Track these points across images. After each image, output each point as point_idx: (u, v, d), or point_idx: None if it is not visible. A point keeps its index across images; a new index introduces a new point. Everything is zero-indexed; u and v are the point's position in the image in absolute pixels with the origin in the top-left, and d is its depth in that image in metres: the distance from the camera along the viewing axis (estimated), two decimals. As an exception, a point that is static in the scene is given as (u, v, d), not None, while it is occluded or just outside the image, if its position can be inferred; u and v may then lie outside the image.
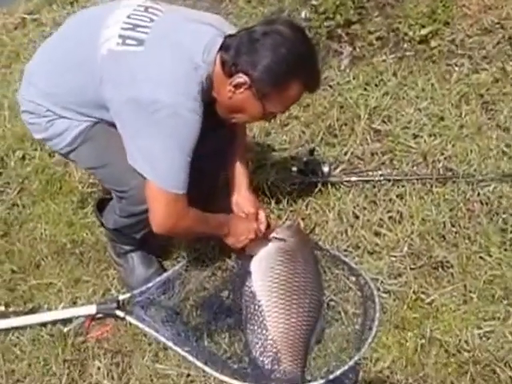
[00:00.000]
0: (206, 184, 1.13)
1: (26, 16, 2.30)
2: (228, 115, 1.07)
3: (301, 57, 1.00)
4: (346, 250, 1.29)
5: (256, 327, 1.10)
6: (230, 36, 1.03)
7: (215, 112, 1.07)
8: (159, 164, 1.00)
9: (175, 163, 1.00)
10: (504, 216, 1.31)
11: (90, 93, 1.04)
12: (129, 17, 1.04)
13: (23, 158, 1.67)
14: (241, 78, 0.99)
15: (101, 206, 1.30)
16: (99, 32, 1.03)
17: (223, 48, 1.02)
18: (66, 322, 1.20)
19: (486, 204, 1.34)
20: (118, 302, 1.20)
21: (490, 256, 1.24)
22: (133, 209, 1.11)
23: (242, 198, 1.24)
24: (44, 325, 1.21)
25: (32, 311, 1.25)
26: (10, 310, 1.26)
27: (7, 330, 1.21)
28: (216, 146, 1.13)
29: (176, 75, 0.98)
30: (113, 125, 1.05)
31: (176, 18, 1.07)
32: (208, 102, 1.03)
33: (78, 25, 1.12)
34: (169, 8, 1.10)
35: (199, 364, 1.08)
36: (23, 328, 1.21)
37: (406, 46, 1.76)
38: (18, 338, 1.20)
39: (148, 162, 1.00)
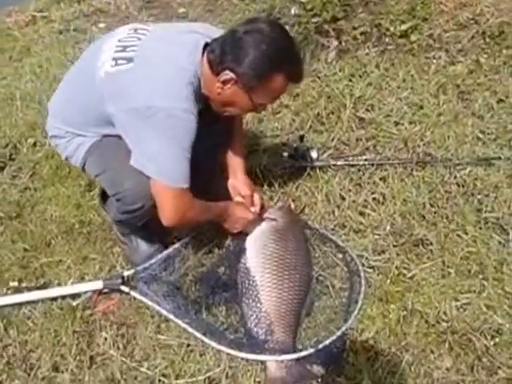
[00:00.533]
0: (202, 178, 1.04)
1: (36, 13, 2.12)
2: (221, 109, 1.01)
3: (281, 51, 0.93)
4: (333, 229, 1.19)
5: (251, 301, 1.00)
6: (216, 39, 0.96)
7: (210, 109, 0.99)
8: (162, 163, 0.94)
9: (177, 160, 0.94)
10: (479, 197, 1.20)
11: (95, 112, 1.00)
12: (120, 40, 1.01)
13: (34, 144, 1.52)
14: (227, 74, 0.93)
15: (104, 195, 1.18)
16: (97, 57, 1.01)
17: (209, 50, 0.95)
18: (74, 296, 1.09)
19: (463, 186, 1.23)
20: (123, 277, 1.09)
21: (466, 234, 1.14)
22: (127, 208, 1.03)
23: (238, 181, 1.15)
24: (54, 299, 1.10)
25: (43, 286, 1.13)
26: (23, 285, 1.14)
27: (20, 304, 1.10)
28: (211, 141, 1.06)
29: (166, 80, 0.92)
30: (120, 137, 0.99)
31: (161, 33, 1.03)
32: (201, 100, 0.98)
33: (83, 56, 1.10)
34: (156, 27, 1.06)
35: (198, 335, 0.98)
36: (35, 302, 1.10)
37: (387, 40, 1.63)
38: (30, 311, 1.09)
39: (152, 163, 0.94)
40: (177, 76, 0.92)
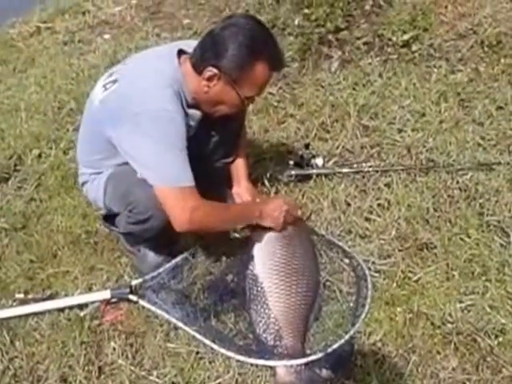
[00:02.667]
0: (209, 187, 1.11)
1: (40, 24, 2.27)
2: (211, 109, 1.08)
3: (258, 39, 1.02)
4: (339, 235, 1.29)
5: (259, 307, 1.09)
6: (197, 44, 1.06)
7: (208, 118, 1.09)
8: (158, 167, 1.00)
9: (171, 160, 1.00)
10: (481, 201, 1.31)
11: (101, 141, 1.08)
12: (110, 70, 1.14)
13: (39, 155, 1.64)
14: (210, 71, 1.01)
15: (107, 217, 1.26)
16: (93, 93, 1.13)
17: (191, 55, 1.05)
18: (82, 306, 1.17)
19: (465, 190, 1.35)
20: (131, 286, 1.17)
21: (469, 237, 1.24)
22: (139, 217, 1.09)
23: (241, 188, 1.26)
24: (62, 310, 1.17)
25: (50, 297, 1.21)
26: (30, 297, 1.22)
27: (27, 316, 1.17)
28: (216, 151, 1.16)
29: (145, 87, 1.02)
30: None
31: (145, 54, 1.15)
32: (191, 106, 1.05)
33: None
34: (145, 51, 1.18)
35: (207, 342, 1.06)
36: (42, 313, 1.17)
37: (389, 49, 1.78)
38: (37, 322, 1.17)
39: (149, 170, 1.01)
40: (153, 80, 1.01)
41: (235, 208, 1.14)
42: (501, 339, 1.04)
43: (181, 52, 1.06)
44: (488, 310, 1.09)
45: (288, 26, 1.85)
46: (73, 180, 1.52)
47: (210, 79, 1.02)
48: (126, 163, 1.07)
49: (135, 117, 0.99)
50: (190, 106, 1.06)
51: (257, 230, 1.16)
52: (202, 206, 1.02)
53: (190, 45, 1.07)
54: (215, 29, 1.03)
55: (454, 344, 1.05)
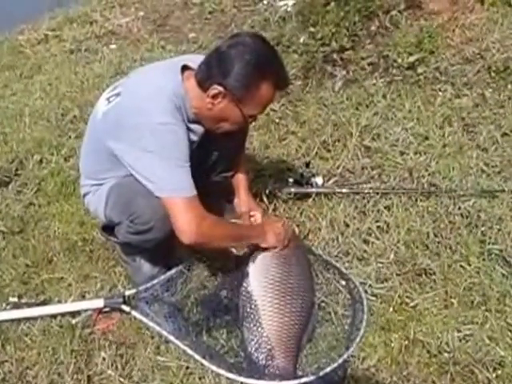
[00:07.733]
0: (210, 201, 1.14)
1: (48, 32, 2.36)
2: (213, 126, 1.11)
3: (264, 59, 1.04)
4: (336, 256, 1.30)
5: (252, 325, 1.10)
6: (202, 60, 1.08)
7: (210, 134, 1.12)
8: (159, 179, 1.03)
9: (171, 171, 1.03)
10: (483, 228, 1.32)
11: (103, 152, 1.11)
12: (114, 83, 1.18)
13: (41, 161, 1.69)
14: (215, 89, 1.04)
15: (106, 227, 1.28)
16: (96, 106, 1.17)
17: (197, 71, 1.07)
18: (74, 314, 1.19)
19: (466, 217, 1.36)
20: (124, 297, 1.20)
21: (470, 265, 1.25)
22: (139, 228, 1.11)
23: (239, 201, 1.30)
24: (54, 316, 1.20)
25: (43, 303, 1.24)
26: (23, 301, 1.25)
27: (19, 321, 1.20)
28: (218, 165, 1.19)
29: (147, 101, 1.04)
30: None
31: (149, 68, 1.19)
32: (193, 121, 1.09)
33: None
34: (150, 65, 1.23)
35: (198, 357, 1.07)
36: (34, 319, 1.20)
37: (394, 71, 1.82)
38: (29, 328, 1.19)
39: (151, 182, 1.03)
40: (156, 95, 1.04)
41: (240, 226, 1.17)
42: (499, 372, 1.04)
43: (185, 67, 1.10)
44: (487, 341, 1.09)
45: (293, 44, 1.90)
46: (72, 187, 1.56)
47: (214, 97, 1.04)
48: (129, 175, 1.09)
49: (136, 131, 1.02)
50: (191, 121, 1.10)
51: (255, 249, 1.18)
52: (207, 217, 1.05)
53: (195, 60, 1.10)
54: (221, 46, 1.05)
55: (451, 374, 1.05)
